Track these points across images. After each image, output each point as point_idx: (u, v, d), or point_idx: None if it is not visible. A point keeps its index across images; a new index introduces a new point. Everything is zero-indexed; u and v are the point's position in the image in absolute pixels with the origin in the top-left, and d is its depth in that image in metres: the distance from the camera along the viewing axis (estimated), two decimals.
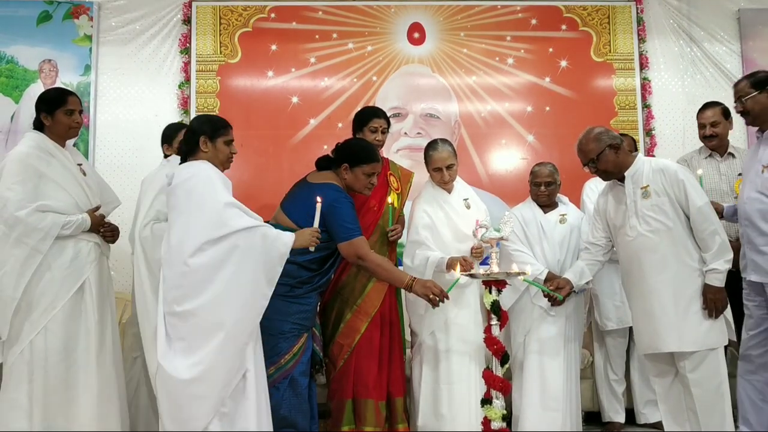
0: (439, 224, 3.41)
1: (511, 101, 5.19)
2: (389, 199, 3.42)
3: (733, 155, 3.86)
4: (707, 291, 2.94)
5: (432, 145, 3.49)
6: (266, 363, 3.00)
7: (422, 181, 3.61)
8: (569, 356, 3.43)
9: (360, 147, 3.12)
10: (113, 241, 3.17)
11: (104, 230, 3.10)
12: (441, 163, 3.41)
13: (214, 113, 4.96)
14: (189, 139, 2.79)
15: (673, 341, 2.95)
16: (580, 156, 3.16)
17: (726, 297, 2.96)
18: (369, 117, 3.43)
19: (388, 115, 3.43)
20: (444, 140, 3.51)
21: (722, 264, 2.92)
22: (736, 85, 3.33)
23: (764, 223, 3.04)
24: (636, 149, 4.04)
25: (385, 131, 3.45)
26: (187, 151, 2.79)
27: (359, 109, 3.64)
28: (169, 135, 3.69)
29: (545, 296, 3.27)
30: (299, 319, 2.96)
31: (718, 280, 2.92)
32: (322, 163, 3.17)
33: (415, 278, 2.90)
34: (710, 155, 3.89)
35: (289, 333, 2.93)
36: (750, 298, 3.19)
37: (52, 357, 2.87)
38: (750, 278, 3.13)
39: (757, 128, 3.27)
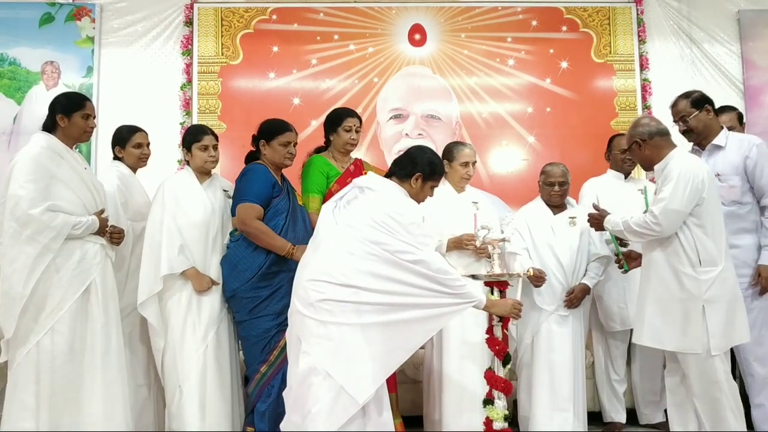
0: (435, 217, 3.48)
1: (511, 102, 5.21)
2: None
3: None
4: (600, 217, 3.22)
5: (459, 143, 3.68)
6: (258, 363, 3.11)
7: None
8: (576, 356, 3.47)
9: (272, 121, 3.37)
10: (119, 244, 3.18)
11: (111, 232, 3.12)
12: (469, 158, 3.56)
13: (216, 114, 5.00)
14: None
15: (672, 341, 2.99)
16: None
17: None
18: (342, 117, 3.51)
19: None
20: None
21: (630, 225, 3.03)
22: (675, 105, 3.48)
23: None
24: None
25: (358, 130, 3.54)
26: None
27: (330, 110, 3.66)
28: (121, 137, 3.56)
29: (615, 258, 3.37)
30: (277, 310, 3.10)
31: (614, 225, 3.12)
32: (249, 159, 3.39)
33: (295, 246, 3.08)
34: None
35: (273, 329, 3.09)
36: None
37: (59, 358, 2.87)
38: None
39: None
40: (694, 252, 2.95)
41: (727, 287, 2.95)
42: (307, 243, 2.86)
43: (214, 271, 3.22)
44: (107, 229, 3.09)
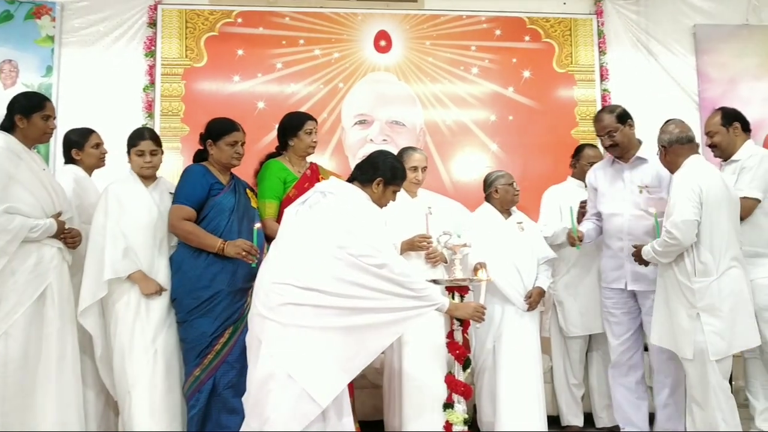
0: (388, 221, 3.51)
1: (475, 110, 5.28)
2: None
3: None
4: (639, 252, 3.27)
5: (409, 148, 3.67)
6: (193, 366, 3.09)
7: None
8: (536, 358, 3.55)
9: (218, 121, 3.33)
10: (75, 247, 3.13)
11: (66, 235, 3.06)
12: (418, 163, 3.55)
13: (179, 117, 4.95)
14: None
15: (669, 342, 3.18)
16: None
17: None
18: (303, 121, 3.52)
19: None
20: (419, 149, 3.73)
21: (656, 248, 3.13)
22: (600, 120, 3.58)
23: (649, 238, 3.31)
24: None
25: (316, 133, 3.56)
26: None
27: (287, 114, 3.65)
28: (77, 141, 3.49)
29: (569, 238, 3.54)
30: (216, 313, 3.07)
31: (647, 254, 3.20)
32: (197, 158, 3.38)
33: (225, 241, 3.08)
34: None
35: (210, 332, 3.06)
36: (618, 306, 3.57)
37: (12, 363, 2.82)
38: (630, 288, 3.49)
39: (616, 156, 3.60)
40: (692, 263, 3.07)
41: (725, 295, 3.04)
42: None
43: (163, 275, 3.17)
44: (64, 232, 3.04)
